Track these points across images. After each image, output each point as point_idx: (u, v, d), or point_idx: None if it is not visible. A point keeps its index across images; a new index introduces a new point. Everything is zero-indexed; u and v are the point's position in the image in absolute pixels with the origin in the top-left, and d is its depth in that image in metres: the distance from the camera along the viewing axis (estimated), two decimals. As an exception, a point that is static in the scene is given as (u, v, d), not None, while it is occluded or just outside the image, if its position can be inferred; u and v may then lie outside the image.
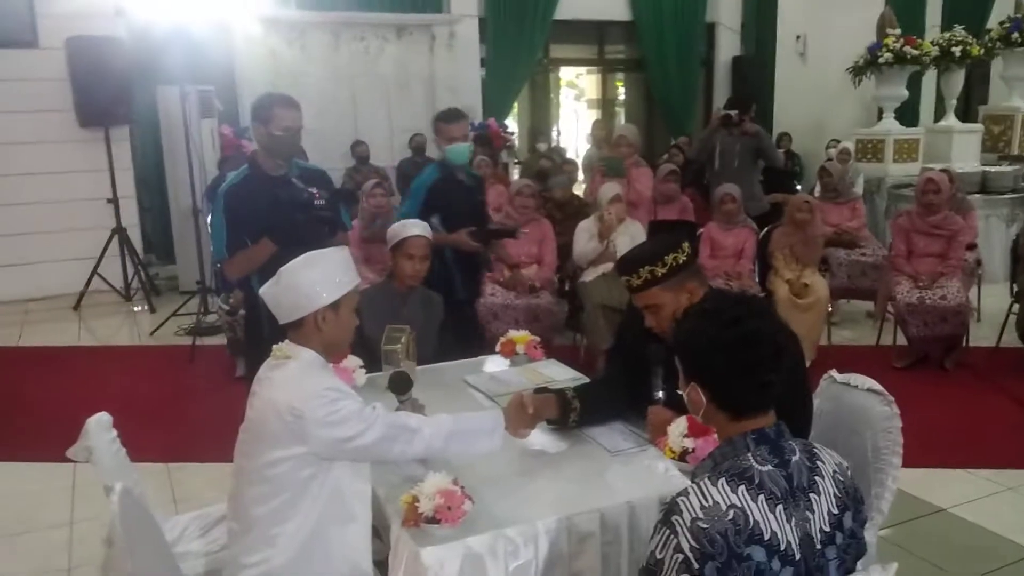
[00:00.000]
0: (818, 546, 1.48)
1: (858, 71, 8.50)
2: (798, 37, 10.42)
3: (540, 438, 2.37)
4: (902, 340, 5.31)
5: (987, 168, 7.83)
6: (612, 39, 11.52)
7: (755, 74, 10.93)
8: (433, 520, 1.86)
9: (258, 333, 3.19)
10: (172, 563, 2.16)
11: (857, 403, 2.39)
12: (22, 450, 4.25)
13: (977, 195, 7.27)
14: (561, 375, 2.91)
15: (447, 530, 1.87)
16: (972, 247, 5.98)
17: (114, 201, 7.39)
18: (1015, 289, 5.27)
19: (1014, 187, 7.46)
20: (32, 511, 3.63)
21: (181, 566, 2.24)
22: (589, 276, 5.11)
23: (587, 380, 2.79)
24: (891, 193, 7.92)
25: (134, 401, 4.86)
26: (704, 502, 1.43)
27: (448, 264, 4.19)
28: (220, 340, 6.00)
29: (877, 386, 2.36)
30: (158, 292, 7.71)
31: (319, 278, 2.01)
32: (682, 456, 2.14)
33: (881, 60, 8.18)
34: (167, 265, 8.26)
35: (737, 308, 1.54)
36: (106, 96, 7.15)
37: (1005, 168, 7.82)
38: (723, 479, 1.47)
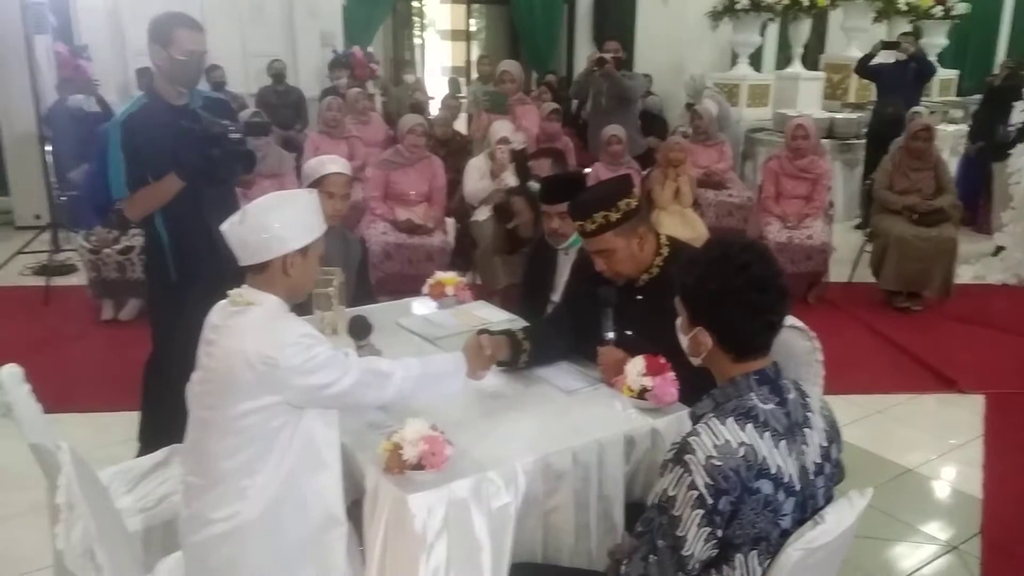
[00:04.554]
0: (811, 476, 1.59)
1: (716, 16, 8.82)
2: (659, -23, 10.58)
3: (493, 380, 2.37)
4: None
5: (835, 115, 8.38)
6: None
7: (617, 13, 11.03)
8: (418, 466, 1.84)
9: (163, 277, 2.97)
10: (120, 521, 2.03)
11: (780, 339, 2.54)
12: None
13: (825, 140, 7.77)
14: (496, 316, 2.91)
15: (430, 476, 1.85)
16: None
17: (-67, 123, 6.61)
18: (869, 229, 5.73)
19: (856, 133, 8.04)
20: None
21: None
22: (482, 215, 5.08)
23: (522, 321, 2.82)
24: (747, 137, 8.33)
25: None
26: (716, 440, 1.50)
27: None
28: (76, 280, 5.57)
29: (799, 323, 2.54)
30: (-13, 227, 7.02)
31: (290, 220, 1.89)
32: (640, 394, 2.20)
33: (738, 6, 8.52)
34: (-3, 197, 7.50)
35: (744, 254, 1.59)
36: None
37: (850, 115, 8.41)
38: (731, 418, 1.54)
